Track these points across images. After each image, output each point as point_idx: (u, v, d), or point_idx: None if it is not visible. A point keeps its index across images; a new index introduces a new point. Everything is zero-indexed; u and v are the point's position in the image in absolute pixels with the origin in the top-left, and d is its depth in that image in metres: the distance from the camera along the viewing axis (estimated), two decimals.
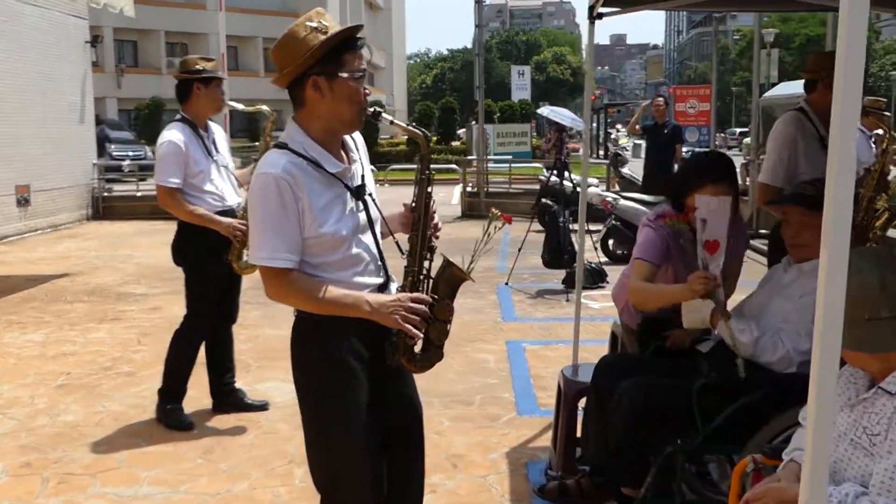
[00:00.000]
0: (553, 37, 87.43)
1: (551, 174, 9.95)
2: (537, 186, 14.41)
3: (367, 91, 2.45)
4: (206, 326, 4.80)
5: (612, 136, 40.44)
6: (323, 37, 2.33)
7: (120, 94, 39.43)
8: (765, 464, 2.40)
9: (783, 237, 3.30)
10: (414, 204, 2.52)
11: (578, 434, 3.78)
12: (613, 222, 10.42)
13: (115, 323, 7.49)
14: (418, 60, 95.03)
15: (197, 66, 4.63)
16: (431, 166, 2.54)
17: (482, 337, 6.89)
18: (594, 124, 29.34)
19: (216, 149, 4.73)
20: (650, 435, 3.04)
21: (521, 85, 36.43)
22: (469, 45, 73.80)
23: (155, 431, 4.76)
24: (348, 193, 2.45)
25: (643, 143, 13.05)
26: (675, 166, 11.12)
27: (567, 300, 8.16)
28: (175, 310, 7.94)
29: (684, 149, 11.73)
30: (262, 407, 5.09)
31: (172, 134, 4.57)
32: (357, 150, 2.58)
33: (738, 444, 2.97)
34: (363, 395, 2.48)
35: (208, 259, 4.64)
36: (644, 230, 3.61)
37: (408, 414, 2.67)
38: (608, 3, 4.49)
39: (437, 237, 2.57)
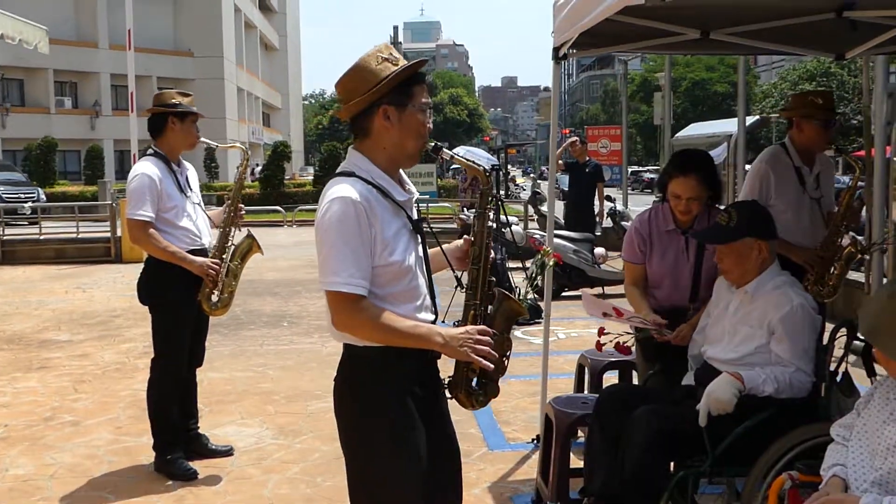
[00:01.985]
0: (448, 78, 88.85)
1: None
2: (454, 225, 14.58)
3: (430, 125, 2.47)
4: (178, 369, 4.61)
5: (510, 176, 41.29)
6: (395, 67, 2.35)
7: (4, 134, 37.80)
8: (802, 481, 2.50)
9: None
10: (474, 238, 2.53)
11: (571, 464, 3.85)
12: (542, 259, 10.61)
13: (44, 371, 7.12)
14: (314, 101, 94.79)
15: (173, 101, 4.51)
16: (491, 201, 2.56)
17: None
18: (497, 163, 29.85)
19: (189, 186, 4.60)
20: (666, 459, 3.12)
21: None
22: None
23: (119, 483, 4.54)
24: (410, 224, 2.45)
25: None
26: (598, 204, 11.47)
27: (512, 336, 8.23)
28: (106, 356, 7.65)
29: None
30: (228, 452, 4.92)
31: (145, 166, 4.42)
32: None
33: (745, 466, 3.08)
34: (423, 444, 2.42)
35: (179, 299, 4.49)
36: (627, 231, 3.91)
37: (450, 463, 2.60)
38: (575, 45, 4.64)
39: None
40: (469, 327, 2.44)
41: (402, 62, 2.41)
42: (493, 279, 2.57)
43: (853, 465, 2.30)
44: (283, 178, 30.43)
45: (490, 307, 2.53)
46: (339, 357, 2.51)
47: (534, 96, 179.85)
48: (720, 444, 3.10)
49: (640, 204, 23.01)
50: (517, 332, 8.25)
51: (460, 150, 16.06)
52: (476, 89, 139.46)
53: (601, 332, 3.80)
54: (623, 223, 11.12)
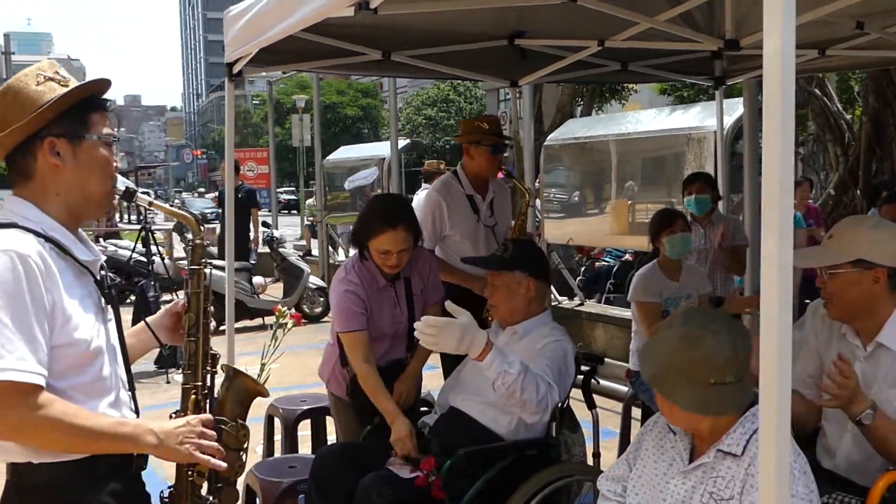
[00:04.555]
0: None
1: (135, 247, 9.09)
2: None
3: (117, 163, 1.87)
4: None
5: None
6: (63, 89, 1.73)
7: None
8: None
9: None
10: (188, 301, 1.96)
11: None
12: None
13: None
14: None
15: None
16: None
17: None
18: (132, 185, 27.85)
19: None
20: None
21: None
22: None
23: None
24: (99, 292, 1.83)
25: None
26: (252, 230, 10.92)
27: (168, 381, 7.41)
28: None
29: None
30: None
31: None
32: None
33: None
34: None
35: None
36: (334, 297, 3.40)
37: None
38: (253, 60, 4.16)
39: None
40: (190, 418, 1.91)
41: (74, 83, 1.82)
42: (217, 352, 2.04)
43: None
44: None
45: (216, 387, 2.01)
46: None
47: (160, 116, 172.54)
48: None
49: (282, 226, 22.81)
50: (176, 377, 7.47)
51: None
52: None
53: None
54: (281, 249, 10.67)
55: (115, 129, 1.97)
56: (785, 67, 1.36)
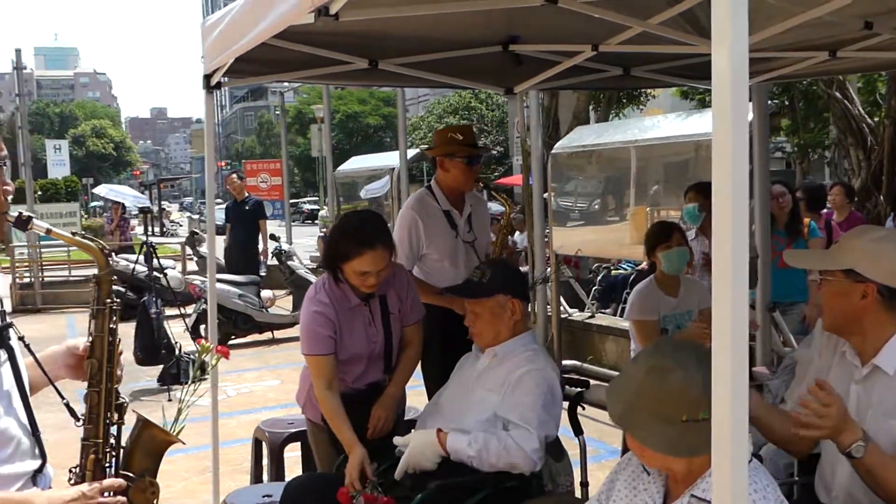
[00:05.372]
0: (91, 109, 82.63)
1: (136, 261, 8.99)
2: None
3: (7, 186, 1.70)
4: None
5: (165, 211, 39.15)
6: None
7: None
8: None
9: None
10: (91, 345, 1.80)
11: None
12: (204, 306, 9.71)
13: None
14: None
15: None
16: None
17: None
18: (147, 202, 27.96)
19: None
20: None
21: (58, 161, 33.38)
22: None
23: None
24: None
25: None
26: (261, 242, 10.81)
27: (170, 399, 7.29)
28: None
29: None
30: None
31: None
32: None
33: None
34: None
35: None
36: (302, 317, 3.22)
37: None
38: (230, 72, 4.03)
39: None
40: (85, 488, 1.71)
41: None
42: (125, 401, 1.87)
43: None
44: None
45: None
46: None
47: (186, 128, 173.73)
48: None
49: (303, 236, 22.75)
50: (177, 394, 7.38)
51: (102, 189, 14.48)
52: (123, 121, 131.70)
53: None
54: (290, 262, 10.53)
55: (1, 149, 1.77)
56: (735, 76, 1.18)
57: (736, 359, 1.22)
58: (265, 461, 4.37)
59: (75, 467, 1.81)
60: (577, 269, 9.55)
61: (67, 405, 1.87)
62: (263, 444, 4.35)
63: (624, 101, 16.02)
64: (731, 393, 1.22)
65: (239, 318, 9.77)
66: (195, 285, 9.81)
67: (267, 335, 10.13)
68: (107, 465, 1.81)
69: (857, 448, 1.95)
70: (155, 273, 8.05)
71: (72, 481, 1.79)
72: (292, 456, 4.36)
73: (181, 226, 35.21)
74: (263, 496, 3.35)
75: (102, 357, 1.82)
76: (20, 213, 1.78)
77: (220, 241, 11.75)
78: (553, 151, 8.09)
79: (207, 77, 4.00)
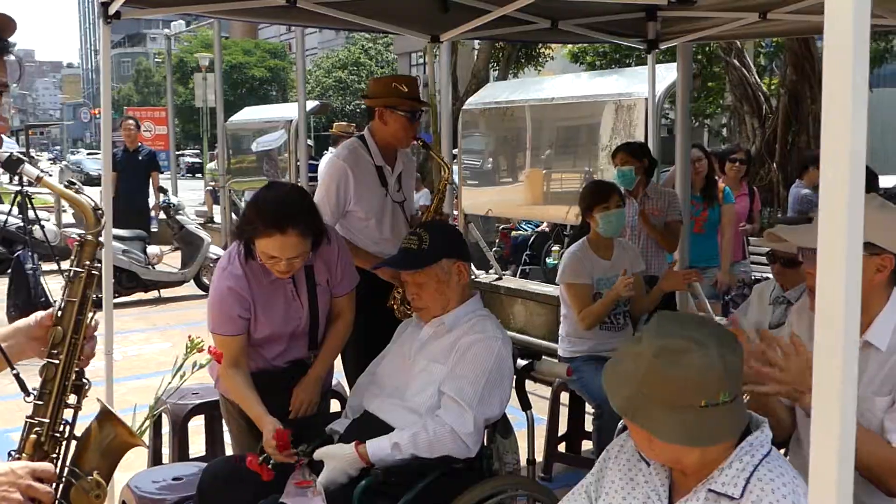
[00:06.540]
0: None
1: (10, 213, 8.24)
2: None
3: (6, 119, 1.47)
4: None
5: (34, 159, 36.89)
6: None
7: None
8: None
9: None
10: (62, 313, 1.55)
11: None
12: None
13: None
14: None
15: None
16: None
17: None
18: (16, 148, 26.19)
19: None
20: None
21: None
22: None
23: None
24: None
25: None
26: (152, 195, 10.15)
27: None
28: None
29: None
30: None
31: None
32: None
33: None
34: None
35: None
36: (212, 290, 2.87)
37: None
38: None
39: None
40: (16, 465, 1.45)
41: None
42: (86, 381, 1.56)
43: None
44: None
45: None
46: None
47: (56, 72, 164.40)
48: None
49: (187, 190, 21.74)
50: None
51: None
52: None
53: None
54: (179, 217, 9.89)
55: (17, 79, 1.53)
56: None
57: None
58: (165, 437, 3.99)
59: (13, 450, 1.56)
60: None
61: (17, 376, 1.59)
62: (164, 417, 3.96)
63: (522, 60, 15.91)
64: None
65: (123, 275, 9.11)
66: (73, 238, 9.10)
67: (153, 294, 9.54)
68: (53, 455, 1.55)
69: None
70: (30, 225, 7.37)
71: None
72: (194, 426, 4.01)
73: (51, 175, 33.23)
74: (174, 478, 3.00)
75: (69, 326, 1.57)
76: (11, 154, 1.54)
77: (95, 193, 10.99)
78: (464, 107, 7.81)
79: (105, 5, 3.54)
